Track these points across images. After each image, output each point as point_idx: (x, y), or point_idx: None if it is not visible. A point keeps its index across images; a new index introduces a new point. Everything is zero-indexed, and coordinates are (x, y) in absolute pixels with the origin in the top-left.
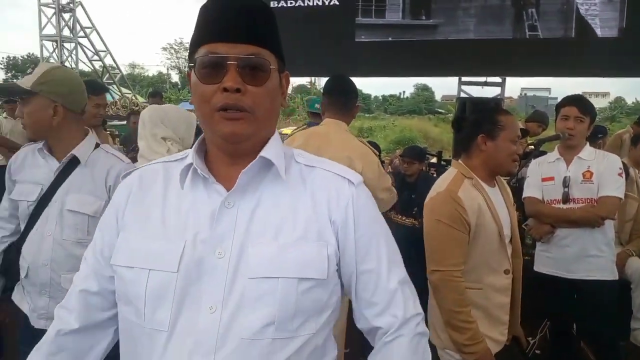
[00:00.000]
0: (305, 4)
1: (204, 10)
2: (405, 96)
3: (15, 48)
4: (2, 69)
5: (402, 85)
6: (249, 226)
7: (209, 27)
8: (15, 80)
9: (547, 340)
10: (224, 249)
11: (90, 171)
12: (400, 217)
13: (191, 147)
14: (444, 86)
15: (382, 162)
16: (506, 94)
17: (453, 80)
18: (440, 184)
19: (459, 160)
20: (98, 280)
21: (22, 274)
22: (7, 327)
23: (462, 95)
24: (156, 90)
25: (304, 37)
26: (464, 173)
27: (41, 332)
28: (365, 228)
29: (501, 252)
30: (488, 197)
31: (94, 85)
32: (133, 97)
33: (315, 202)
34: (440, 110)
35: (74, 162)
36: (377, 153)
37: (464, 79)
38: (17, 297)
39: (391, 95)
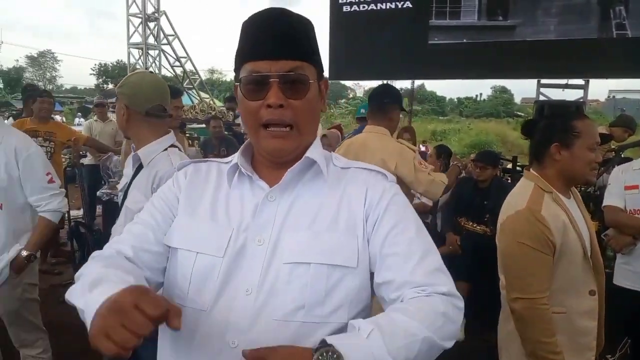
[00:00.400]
0: (378, 7)
1: (245, 27)
2: (482, 98)
3: (106, 55)
4: (94, 74)
5: (479, 87)
6: (286, 217)
7: (251, 45)
8: (105, 86)
9: (628, 358)
10: (263, 237)
11: (148, 172)
12: (471, 223)
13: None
14: (524, 88)
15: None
16: (592, 97)
17: (533, 82)
18: (518, 200)
19: (532, 170)
20: (135, 251)
21: None
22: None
23: (541, 98)
24: (232, 95)
25: (376, 40)
26: (542, 187)
27: None
28: (394, 211)
29: (586, 272)
30: (570, 212)
31: (170, 89)
32: (211, 102)
33: (349, 194)
34: (519, 113)
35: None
36: (415, 149)
37: (543, 81)
38: None
39: (467, 98)
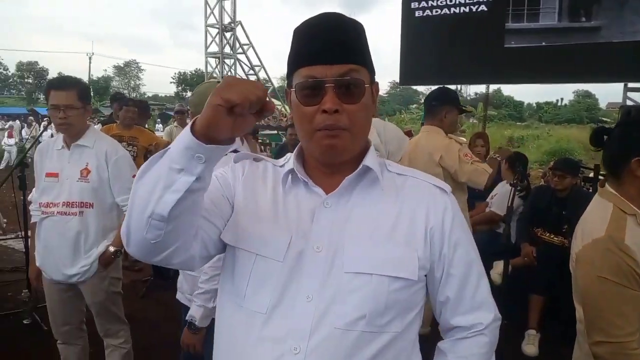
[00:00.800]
0: (452, 12)
1: (298, 33)
2: (563, 103)
3: (185, 64)
4: (174, 82)
5: (560, 92)
6: (345, 225)
7: (305, 51)
8: (184, 93)
9: None
10: (321, 244)
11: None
12: (548, 234)
13: (398, 162)
14: (610, 92)
15: (528, 174)
16: None
17: (620, 86)
18: (596, 226)
19: (608, 186)
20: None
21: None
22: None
23: (628, 102)
24: None
25: (449, 45)
26: (622, 208)
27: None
28: (458, 234)
29: None
30: None
31: None
32: (282, 109)
33: (410, 208)
34: (604, 119)
35: None
36: (462, 141)
37: (630, 85)
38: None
39: (547, 103)
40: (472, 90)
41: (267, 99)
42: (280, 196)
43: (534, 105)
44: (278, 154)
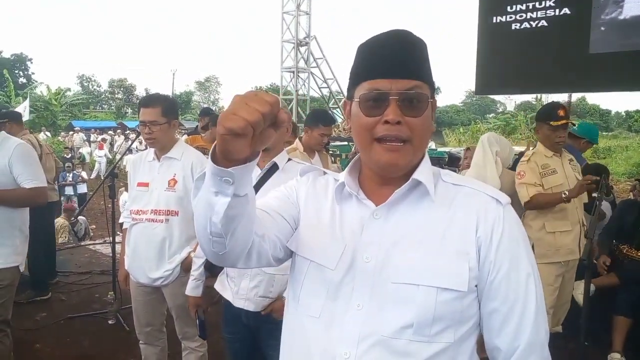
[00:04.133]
0: (529, 17)
1: (363, 49)
2: None
3: (261, 79)
4: None
5: None
6: (393, 236)
7: (371, 65)
8: None
9: None
10: (370, 255)
11: (287, 176)
12: (635, 251)
13: (507, 166)
14: None
15: (611, 187)
16: None
17: None
18: None
19: None
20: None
21: None
22: (208, 312)
23: None
24: None
25: (528, 52)
26: None
27: (241, 311)
28: (507, 248)
29: None
30: None
31: (325, 117)
32: None
33: (461, 218)
34: None
35: (273, 169)
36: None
37: None
38: (219, 286)
39: (637, 111)
40: (554, 99)
41: (281, 109)
42: (336, 208)
43: (623, 113)
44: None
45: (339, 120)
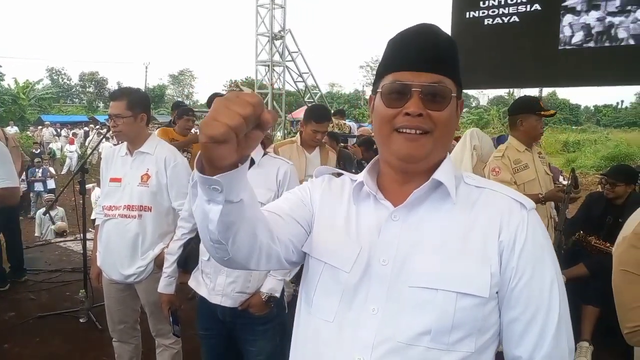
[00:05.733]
0: (501, 12)
1: (392, 42)
2: (623, 106)
3: (236, 72)
4: (225, 90)
5: (621, 94)
6: (411, 239)
7: (397, 58)
8: None
9: None
10: (387, 257)
11: (262, 170)
12: (602, 242)
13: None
14: None
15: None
16: None
17: None
18: (630, 227)
19: None
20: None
21: (204, 258)
22: (181, 309)
23: None
24: (339, 109)
25: (501, 47)
26: None
27: (216, 307)
28: (530, 254)
29: None
30: None
31: (318, 113)
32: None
33: (483, 222)
34: None
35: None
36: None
37: None
38: (193, 282)
39: (605, 106)
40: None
41: (266, 110)
42: (353, 209)
43: (592, 108)
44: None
45: None
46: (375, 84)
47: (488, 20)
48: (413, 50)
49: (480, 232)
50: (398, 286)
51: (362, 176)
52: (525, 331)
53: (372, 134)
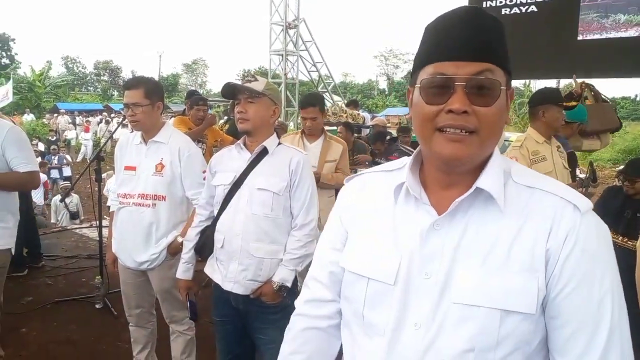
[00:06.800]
0: (519, 2)
1: (430, 28)
2: None
3: (249, 62)
4: (238, 79)
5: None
6: (456, 251)
7: (435, 46)
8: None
9: None
10: (430, 270)
11: (276, 160)
12: (621, 238)
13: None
14: None
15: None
16: None
17: None
18: None
19: None
20: (331, 279)
21: (218, 245)
22: (198, 296)
23: None
24: (352, 100)
25: (517, 37)
26: None
27: (230, 294)
28: (578, 262)
29: None
30: None
31: (303, 99)
32: (343, 105)
33: (532, 228)
34: None
35: (263, 153)
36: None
37: None
38: (209, 269)
39: (624, 98)
40: (541, 85)
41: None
42: (390, 211)
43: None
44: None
45: (328, 105)
46: (413, 75)
47: (505, 10)
48: (454, 36)
49: (528, 241)
50: (443, 302)
51: (404, 175)
52: (568, 340)
53: (386, 124)
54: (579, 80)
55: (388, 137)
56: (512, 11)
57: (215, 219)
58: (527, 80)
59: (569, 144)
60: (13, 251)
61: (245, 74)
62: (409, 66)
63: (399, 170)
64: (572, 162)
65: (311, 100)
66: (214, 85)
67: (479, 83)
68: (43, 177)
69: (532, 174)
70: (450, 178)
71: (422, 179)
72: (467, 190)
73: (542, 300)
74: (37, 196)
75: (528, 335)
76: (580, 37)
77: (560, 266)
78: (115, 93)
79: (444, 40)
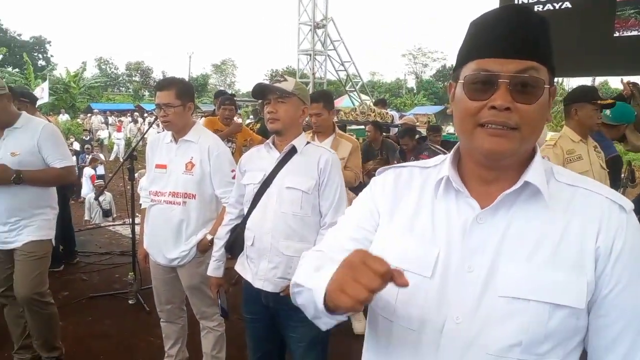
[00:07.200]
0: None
1: (475, 25)
2: None
3: (277, 62)
4: (266, 79)
5: None
6: (500, 245)
7: (480, 42)
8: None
9: None
10: (473, 263)
11: (305, 159)
12: None
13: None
14: None
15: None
16: None
17: None
18: None
19: None
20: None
21: (248, 243)
22: (228, 293)
23: None
24: (380, 99)
25: (553, 35)
26: None
27: (260, 291)
28: (628, 261)
29: None
30: None
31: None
32: (371, 104)
33: (578, 225)
34: None
35: (292, 152)
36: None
37: None
38: (239, 267)
39: None
40: (576, 83)
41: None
42: (428, 205)
43: None
44: (364, 153)
45: (356, 103)
46: (456, 70)
47: (538, 7)
48: (499, 33)
49: (576, 237)
50: (487, 296)
51: (446, 169)
52: (616, 339)
53: (415, 122)
54: (624, 80)
55: (417, 136)
56: (546, 7)
57: (245, 217)
58: (560, 79)
59: (614, 147)
60: (53, 242)
61: (274, 74)
62: (438, 64)
63: (435, 166)
64: (617, 166)
65: (315, 96)
66: (242, 85)
67: (522, 81)
68: (90, 171)
69: (572, 174)
70: (492, 173)
71: (460, 175)
72: (509, 186)
73: (591, 297)
74: (85, 192)
75: (572, 332)
76: (616, 34)
77: (612, 265)
78: (147, 93)
79: (489, 36)
